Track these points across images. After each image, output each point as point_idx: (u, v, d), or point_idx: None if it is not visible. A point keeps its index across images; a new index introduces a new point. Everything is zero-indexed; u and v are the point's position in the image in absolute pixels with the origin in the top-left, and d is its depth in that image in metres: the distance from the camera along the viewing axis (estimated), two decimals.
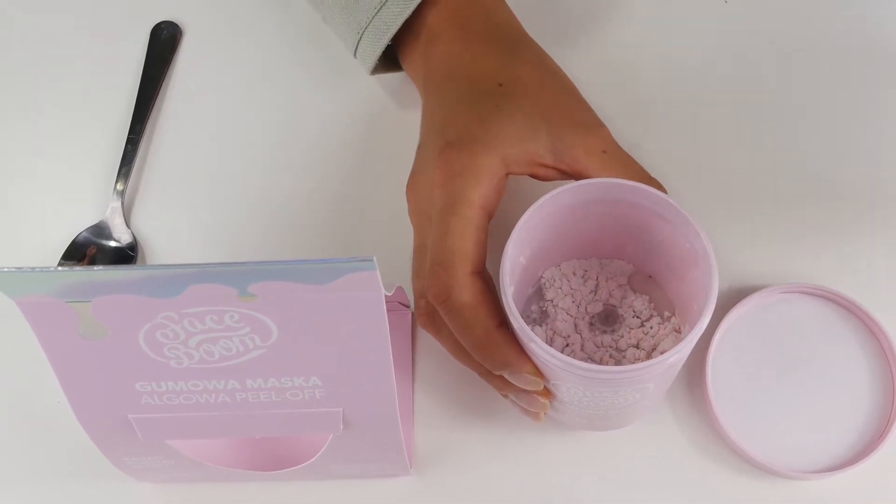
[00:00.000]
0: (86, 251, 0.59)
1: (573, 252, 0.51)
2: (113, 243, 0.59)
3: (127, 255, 0.59)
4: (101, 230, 0.60)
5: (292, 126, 0.62)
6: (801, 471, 0.51)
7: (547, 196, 0.45)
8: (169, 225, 0.61)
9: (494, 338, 0.45)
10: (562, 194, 0.45)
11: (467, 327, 0.45)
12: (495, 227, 0.48)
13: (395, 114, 0.62)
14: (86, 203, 0.61)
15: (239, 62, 0.65)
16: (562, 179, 0.49)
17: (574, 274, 0.51)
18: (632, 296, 0.50)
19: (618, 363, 0.48)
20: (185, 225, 0.61)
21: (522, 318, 0.43)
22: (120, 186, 0.60)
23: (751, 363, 0.53)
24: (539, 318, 0.50)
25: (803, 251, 0.56)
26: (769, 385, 0.52)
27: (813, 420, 0.52)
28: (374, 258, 0.37)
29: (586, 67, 0.59)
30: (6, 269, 0.38)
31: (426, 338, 0.55)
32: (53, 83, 0.65)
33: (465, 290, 0.45)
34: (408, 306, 0.56)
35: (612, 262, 0.51)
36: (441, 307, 0.46)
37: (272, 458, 0.50)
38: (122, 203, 0.60)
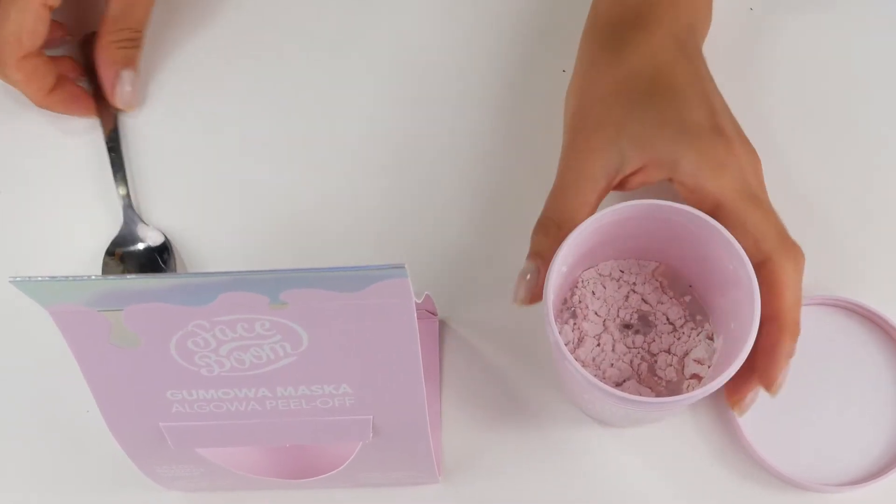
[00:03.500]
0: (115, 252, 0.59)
1: (613, 255, 0.51)
2: (141, 245, 0.59)
3: (161, 254, 0.59)
4: (125, 237, 0.59)
5: (317, 129, 0.62)
6: (824, 483, 0.50)
7: (600, 213, 0.45)
8: (185, 226, 0.61)
9: (48, 102, 0.60)
10: (614, 212, 0.45)
11: (26, 94, 0.60)
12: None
13: (422, 121, 0.62)
14: (96, 212, 0.61)
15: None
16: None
17: (610, 276, 0.51)
18: (667, 301, 0.50)
19: (650, 368, 0.48)
20: (203, 226, 0.60)
21: (554, 315, 0.43)
22: (122, 191, 0.60)
23: None
24: (569, 318, 0.50)
25: (829, 263, 0.56)
26: (794, 397, 0.52)
27: (837, 433, 0.51)
28: (406, 265, 0.37)
29: None
30: (39, 278, 0.38)
31: (453, 345, 0.55)
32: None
33: (16, 71, 0.58)
34: (436, 314, 0.56)
35: (650, 263, 0.51)
36: None
37: (301, 466, 0.50)
38: (132, 206, 0.60)
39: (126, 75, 0.61)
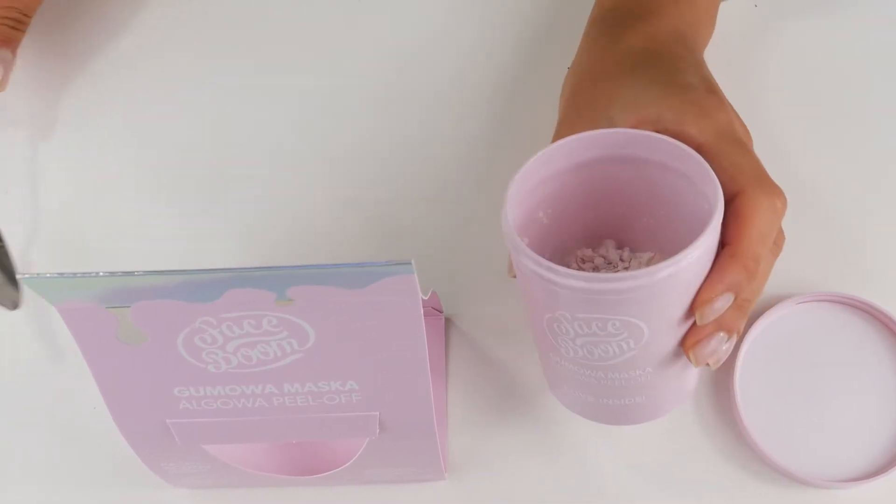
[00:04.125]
0: None
1: (590, 229, 0.49)
2: None
3: None
4: None
5: (324, 126, 0.62)
6: (827, 479, 0.50)
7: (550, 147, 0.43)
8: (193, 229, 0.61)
9: None
10: (578, 141, 0.43)
11: None
12: None
13: (432, 118, 0.62)
14: None
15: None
16: None
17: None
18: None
19: None
20: (211, 227, 0.61)
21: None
22: None
23: (779, 371, 0.53)
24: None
25: (833, 258, 0.56)
26: (797, 393, 0.52)
27: (841, 429, 0.51)
28: (413, 261, 0.37)
29: None
30: (48, 275, 0.38)
31: (459, 343, 0.55)
32: None
33: None
34: (441, 311, 0.56)
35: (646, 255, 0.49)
36: None
37: (308, 462, 0.51)
38: None
39: (1, 53, 0.59)
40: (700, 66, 0.51)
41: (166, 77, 0.65)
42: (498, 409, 0.54)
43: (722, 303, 0.41)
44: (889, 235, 0.56)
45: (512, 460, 0.53)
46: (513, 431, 0.54)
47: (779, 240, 0.46)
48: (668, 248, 0.48)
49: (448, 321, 0.56)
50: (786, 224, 0.51)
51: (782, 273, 0.53)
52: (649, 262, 0.49)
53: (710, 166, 0.42)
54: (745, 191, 0.43)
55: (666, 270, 0.39)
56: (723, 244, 0.42)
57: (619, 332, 0.41)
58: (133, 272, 0.38)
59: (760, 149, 0.49)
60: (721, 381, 0.53)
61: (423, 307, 0.53)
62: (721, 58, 0.56)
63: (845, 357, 0.53)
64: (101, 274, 0.38)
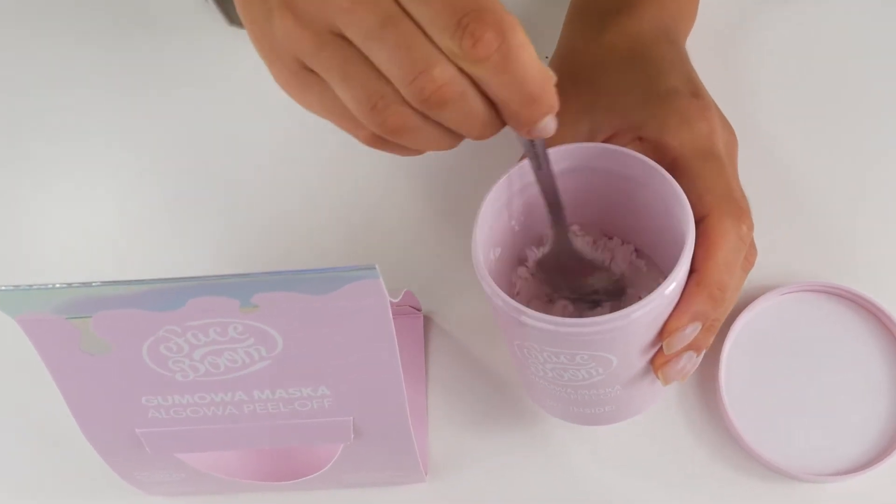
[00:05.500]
0: None
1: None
2: None
3: None
4: None
5: (288, 127, 0.61)
6: (816, 473, 0.50)
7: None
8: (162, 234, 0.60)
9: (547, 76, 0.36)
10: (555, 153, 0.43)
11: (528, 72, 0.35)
12: None
13: None
14: None
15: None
16: None
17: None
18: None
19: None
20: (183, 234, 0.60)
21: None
22: None
23: (765, 364, 0.52)
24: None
25: (818, 248, 0.55)
26: (784, 386, 0.51)
27: (828, 422, 0.51)
28: (377, 266, 0.36)
29: None
30: (4, 288, 0.37)
31: (439, 341, 0.55)
32: None
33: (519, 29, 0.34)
34: (419, 309, 0.55)
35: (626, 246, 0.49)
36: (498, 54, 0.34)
37: (284, 468, 0.50)
38: None
39: None
40: (683, 64, 0.50)
41: (128, 84, 0.64)
42: (480, 408, 0.53)
43: (689, 331, 0.42)
44: (874, 225, 0.56)
45: (495, 460, 0.52)
46: (496, 431, 0.53)
47: (750, 255, 0.45)
48: (646, 241, 0.48)
49: (427, 319, 0.55)
50: (770, 213, 0.51)
51: (766, 264, 0.53)
52: (631, 255, 0.48)
53: (682, 183, 0.42)
54: (712, 214, 0.43)
55: (636, 313, 0.39)
56: (690, 270, 0.42)
57: (587, 363, 0.42)
58: (90, 283, 0.38)
59: (746, 141, 0.49)
60: (706, 374, 0.53)
61: (399, 306, 0.54)
62: (704, 45, 0.56)
63: (832, 347, 0.52)
64: (58, 285, 0.37)
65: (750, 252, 0.45)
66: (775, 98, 0.59)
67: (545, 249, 0.47)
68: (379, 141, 0.38)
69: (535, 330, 0.40)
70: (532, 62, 0.34)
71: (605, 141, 0.47)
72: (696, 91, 0.48)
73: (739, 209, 0.44)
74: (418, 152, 0.38)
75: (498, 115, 0.36)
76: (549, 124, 0.37)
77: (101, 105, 0.64)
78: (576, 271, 0.46)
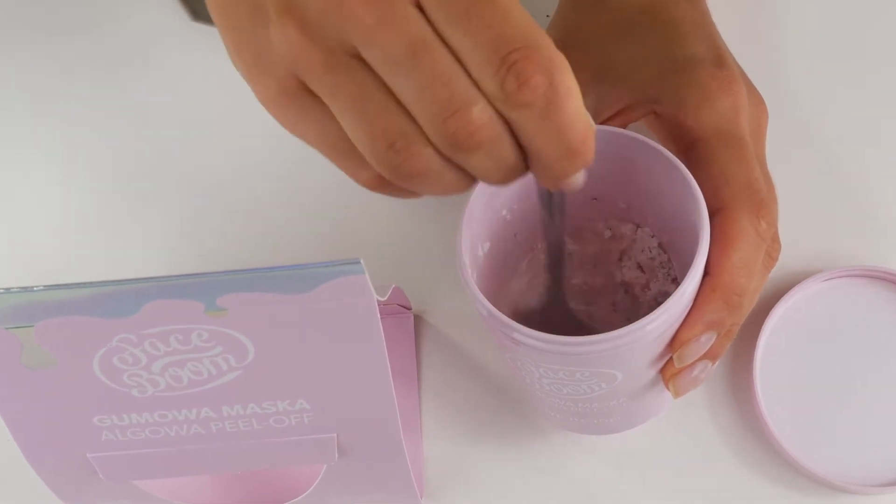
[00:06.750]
0: None
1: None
2: None
3: None
4: None
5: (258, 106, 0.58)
6: (862, 484, 0.48)
7: None
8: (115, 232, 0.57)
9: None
10: None
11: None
12: None
13: None
14: None
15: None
16: None
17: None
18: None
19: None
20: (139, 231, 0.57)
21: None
22: None
23: (805, 361, 0.50)
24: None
25: (862, 228, 0.52)
26: (826, 386, 0.49)
27: (876, 427, 0.48)
28: (361, 260, 0.34)
29: None
30: None
31: (431, 342, 0.53)
32: None
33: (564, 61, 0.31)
34: (409, 308, 0.53)
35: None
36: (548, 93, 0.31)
37: (258, 494, 0.48)
38: None
39: None
40: (706, 26, 0.47)
41: (88, 81, 0.61)
42: (479, 417, 0.51)
43: (704, 341, 0.40)
44: None
45: (498, 476, 0.50)
46: (497, 442, 0.51)
47: (772, 251, 0.43)
48: (653, 222, 0.46)
49: (418, 318, 0.53)
50: (809, 190, 0.50)
51: (807, 246, 0.52)
52: (634, 234, 0.46)
53: (699, 169, 0.40)
54: (727, 208, 0.40)
55: (644, 328, 0.37)
56: (704, 272, 0.39)
57: (588, 379, 0.40)
58: (31, 287, 0.36)
59: (777, 114, 0.46)
60: (739, 373, 0.50)
61: (388, 305, 0.52)
62: (729, 3, 0.53)
63: (881, 340, 0.50)
64: None
65: (772, 247, 0.43)
66: (813, 63, 0.56)
67: (534, 301, 0.45)
68: (383, 184, 0.34)
69: (529, 348, 0.38)
70: (578, 111, 0.31)
71: (614, 116, 0.45)
72: (719, 59, 0.45)
73: (758, 202, 0.41)
74: (418, 196, 0.35)
75: (524, 161, 0.33)
76: (579, 179, 0.34)
77: (50, 91, 0.61)
78: (563, 329, 0.43)
